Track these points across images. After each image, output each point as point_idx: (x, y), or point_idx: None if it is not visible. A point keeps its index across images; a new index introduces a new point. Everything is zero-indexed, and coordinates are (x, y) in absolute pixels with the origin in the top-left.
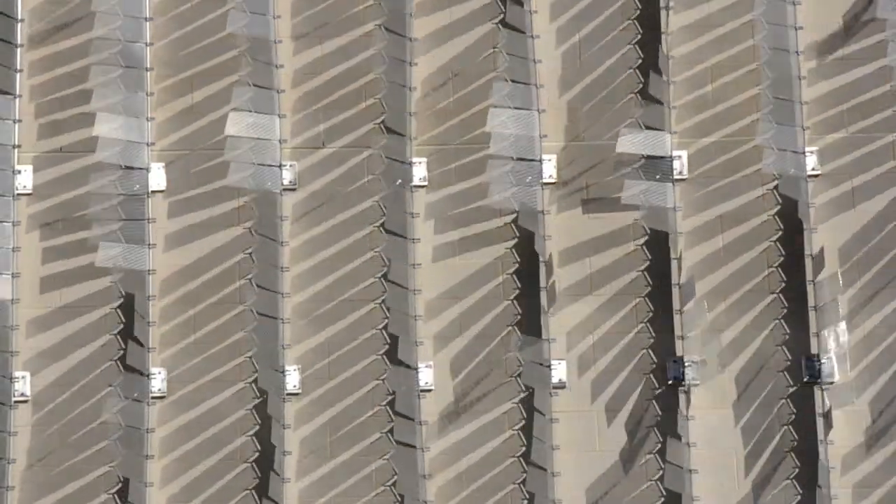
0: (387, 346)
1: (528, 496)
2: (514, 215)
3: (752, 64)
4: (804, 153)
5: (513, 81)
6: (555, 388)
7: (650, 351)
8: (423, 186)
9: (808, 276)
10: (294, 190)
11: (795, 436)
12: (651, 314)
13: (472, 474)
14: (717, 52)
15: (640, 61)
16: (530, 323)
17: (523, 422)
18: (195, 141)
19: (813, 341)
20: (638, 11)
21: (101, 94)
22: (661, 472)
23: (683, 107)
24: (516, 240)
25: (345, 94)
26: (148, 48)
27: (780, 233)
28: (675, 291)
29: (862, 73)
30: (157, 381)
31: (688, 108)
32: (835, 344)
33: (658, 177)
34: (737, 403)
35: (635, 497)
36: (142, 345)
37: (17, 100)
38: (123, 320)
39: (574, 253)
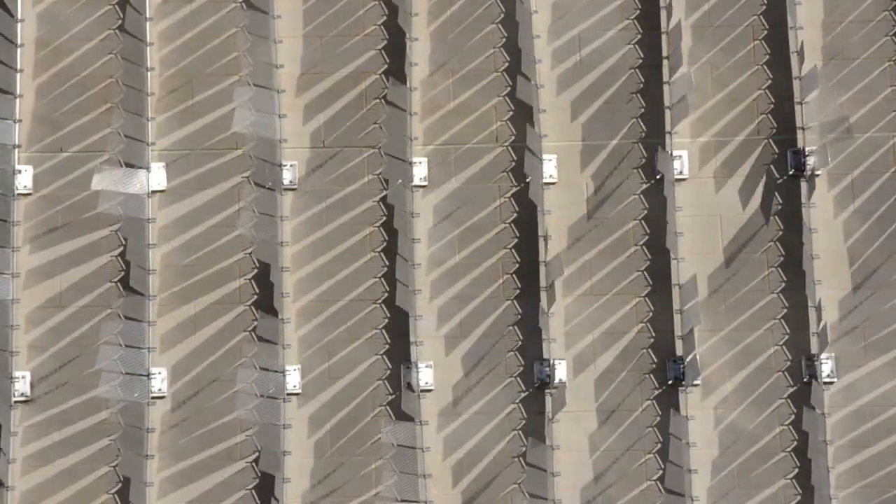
0: (387, 346)
1: (528, 496)
2: (515, 215)
3: (755, 66)
4: (805, 154)
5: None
6: (555, 388)
7: (650, 351)
8: (422, 186)
9: (808, 276)
10: (294, 190)
11: (795, 436)
12: (651, 314)
13: (472, 474)
14: (717, 51)
15: (640, 61)
16: (530, 323)
17: (524, 422)
18: (195, 141)
19: (813, 341)
20: (638, 11)
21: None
22: (661, 472)
23: (683, 106)
24: (516, 240)
25: (345, 94)
26: (149, 48)
27: (781, 233)
28: (675, 291)
29: (862, 73)
30: (157, 380)
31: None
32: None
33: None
34: (736, 403)
35: (635, 497)
36: (141, 346)
37: (18, 100)
38: (124, 320)
39: (574, 253)
